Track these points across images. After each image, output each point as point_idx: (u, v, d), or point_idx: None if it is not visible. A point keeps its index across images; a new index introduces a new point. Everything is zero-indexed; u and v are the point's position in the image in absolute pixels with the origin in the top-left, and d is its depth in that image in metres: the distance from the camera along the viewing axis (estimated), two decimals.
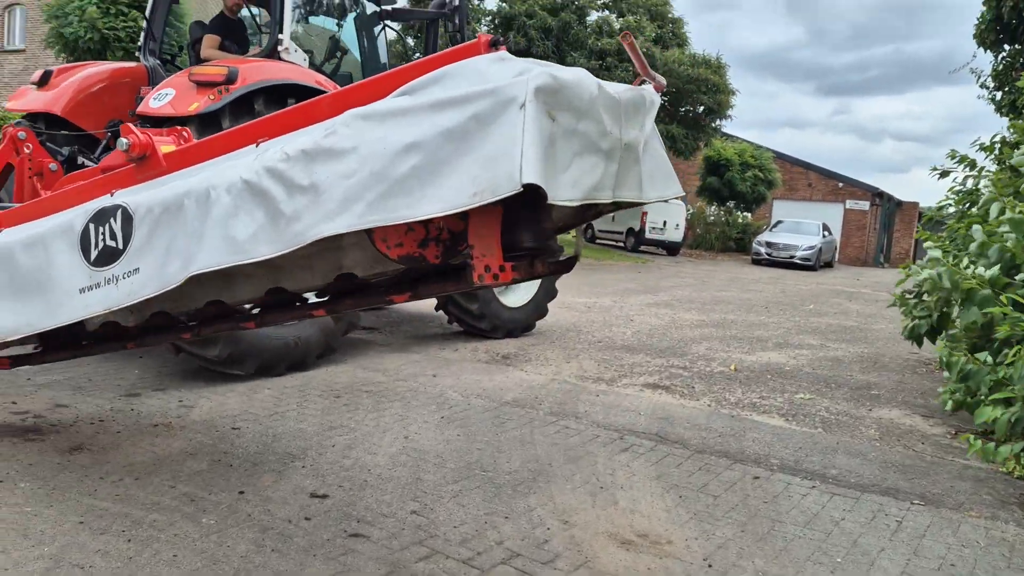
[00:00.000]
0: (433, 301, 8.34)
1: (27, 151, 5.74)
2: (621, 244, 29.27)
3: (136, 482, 3.60)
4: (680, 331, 9.74)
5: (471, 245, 2.41)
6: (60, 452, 3.91)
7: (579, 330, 9.11)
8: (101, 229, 2.90)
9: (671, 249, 29.30)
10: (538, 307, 8.47)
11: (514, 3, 25.44)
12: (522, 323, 8.29)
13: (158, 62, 6.58)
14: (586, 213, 3.37)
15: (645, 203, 3.01)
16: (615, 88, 2.66)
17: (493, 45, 2.59)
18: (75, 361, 5.78)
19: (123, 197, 2.96)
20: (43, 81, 6.27)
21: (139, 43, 6.76)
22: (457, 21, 6.97)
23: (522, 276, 2.55)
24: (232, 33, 6.39)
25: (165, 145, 3.40)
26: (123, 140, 3.20)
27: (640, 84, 2.92)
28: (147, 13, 6.54)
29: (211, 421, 4.58)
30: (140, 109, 5.34)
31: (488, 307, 7.74)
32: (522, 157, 2.07)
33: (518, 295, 8.36)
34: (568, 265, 3.14)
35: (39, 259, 3.11)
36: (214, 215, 2.56)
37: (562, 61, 25.07)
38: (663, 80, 3.14)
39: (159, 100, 5.25)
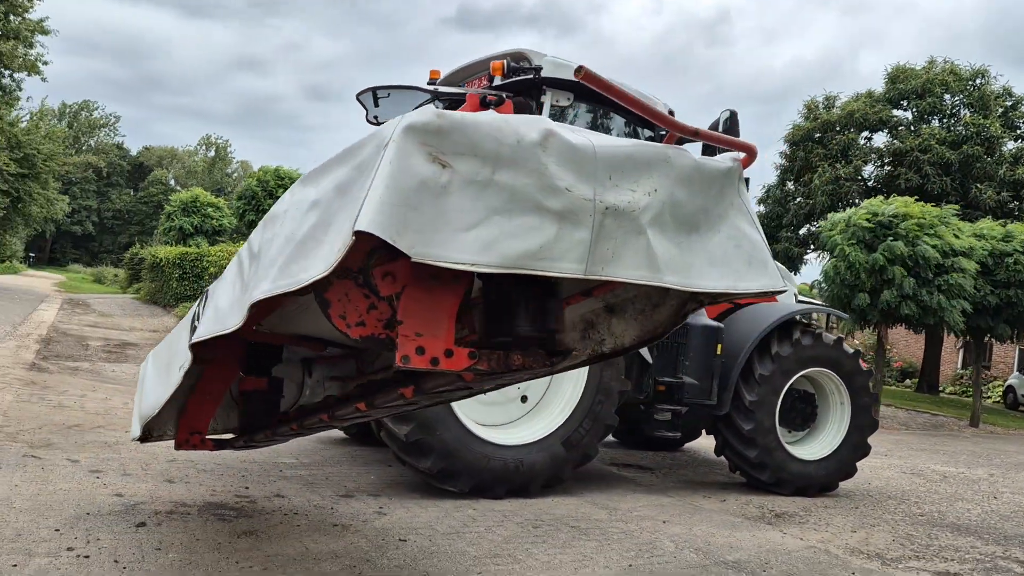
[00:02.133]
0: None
1: None
2: None
3: (244, 570, 3.65)
4: None
5: (399, 320, 2.05)
6: (230, 534, 4.16)
7: (905, 499, 7.40)
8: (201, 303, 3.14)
9: None
10: (842, 464, 7.12)
11: (905, 138, 23.40)
12: (818, 480, 7.00)
13: None
14: (681, 309, 2.73)
15: (698, 291, 2.33)
16: (595, 139, 2.15)
17: (483, 103, 2.29)
18: (329, 458, 6.27)
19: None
20: None
21: None
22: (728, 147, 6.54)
23: (488, 368, 2.10)
24: None
25: None
26: None
27: (677, 142, 2.33)
28: None
29: (388, 530, 4.54)
30: None
31: (770, 456, 6.71)
32: (364, 201, 1.73)
33: (815, 446, 7.14)
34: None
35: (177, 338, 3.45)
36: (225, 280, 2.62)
37: (965, 196, 22.14)
38: (754, 148, 2.50)
39: None
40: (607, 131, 7.00)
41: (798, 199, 26.12)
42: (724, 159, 2.41)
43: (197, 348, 2.74)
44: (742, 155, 2.47)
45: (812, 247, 25.36)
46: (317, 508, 4.86)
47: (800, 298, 8.65)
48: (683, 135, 2.45)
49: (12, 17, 29.29)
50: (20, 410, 7.01)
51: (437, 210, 1.85)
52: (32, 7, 30.19)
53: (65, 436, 6.12)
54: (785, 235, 25.77)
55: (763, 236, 2.46)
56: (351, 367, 4.57)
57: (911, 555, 5.26)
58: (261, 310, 2.33)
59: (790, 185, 26.85)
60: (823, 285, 16.12)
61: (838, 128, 25.52)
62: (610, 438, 9.11)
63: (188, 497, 4.78)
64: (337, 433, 7.29)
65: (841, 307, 15.71)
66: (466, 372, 2.09)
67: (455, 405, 5.46)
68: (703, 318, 6.69)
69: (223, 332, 2.45)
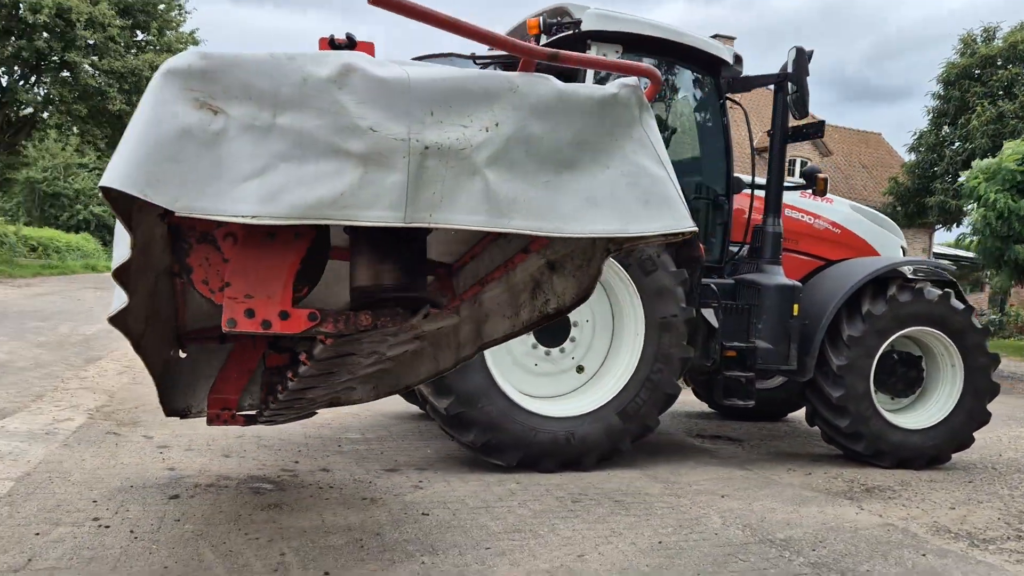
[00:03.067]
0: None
1: None
2: None
3: (251, 541, 3.70)
4: None
5: (226, 282, 1.93)
6: (255, 507, 4.25)
7: None
8: None
9: None
10: (954, 433, 6.38)
11: None
12: (925, 451, 6.31)
13: None
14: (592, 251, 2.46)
15: (571, 236, 2.05)
16: (416, 71, 1.92)
17: (331, 44, 2.12)
18: (396, 432, 6.32)
19: None
20: None
21: None
22: (796, 85, 5.96)
23: (335, 330, 1.95)
24: None
25: None
26: None
27: (538, 70, 2.05)
28: None
29: (415, 504, 4.49)
30: None
31: (865, 425, 6.11)
32: (117, 156, 1.61)
33: (923, 414, 6.44)
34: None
35: None
36: None
37: None
38: (656, 73, 2.18)
39: None
40: (673, 88, 6.58)
41: (955, 144, 23.77)
42: (612, 86, 2.11)
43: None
44: (635, 80, 2.16)
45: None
46: (355, 482, 4.89)
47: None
48: (536, 59, 2.16)
49: (167, 32, 31.65)
50: (127, 391, 7.56)
51: (209, 160, 1.72)
52: (184, 21, 32.45)
53: (154, 415, 6.51)
54: (940, 186, 23.55)
55: (671, 172, 2.14)
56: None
57: (1012, 535, 4.62)
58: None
59: (945, 129, 24.47)
60: (973, 239, 14.59)
61: (1000, 62, 22.95)
62: (707, 408, 8.69)
63: (235, 471, 4.95)
64: (415, 408, 7.36)
65: (994, 262, 14.18)
66: (310, 334, 1.96)
67: (499, 376, 5.34)
68: (777, 276, 6.17)
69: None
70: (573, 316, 5.64)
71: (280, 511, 4.20)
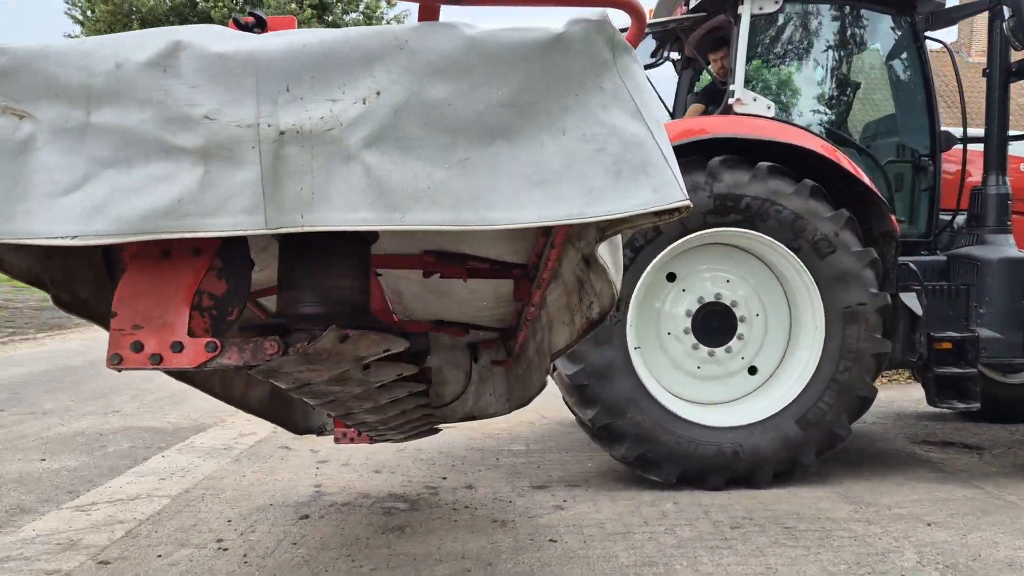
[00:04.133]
0: None
1: None
2: None
3: (354, 569, 3.50)
4: None
5: (113, 312, 1.65)
6: (377, 529, 4.09)
7: None
8: None
9: None
10: None
11: None
12: None
13: None
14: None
15: (505, 227, 1.52)
16: (267, 40, 1.49)
17: (236, 24, 1.79)
18: (563, 444, 5.93)
19: None
20: None
21: None
22: (1014, 9, 4.77)
23: (241, 361, 1.62)
24: (718, 99, 5.79)
25: None
26: None
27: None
28: None
29: (546, 528, 4.09)
30: None
31: None
32: None
33: None
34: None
35: None
36: None
37: None
38: (638, 7, 1.61)
39: None
40: (858, 37, 5.60)
41: None
42: (562, 25, 1.57)
43: None
44: (601, 13, 1.59)
45: None
46: (494, 501, 4.58)
47: None
48: (439, 1, 1.64)
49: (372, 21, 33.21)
50: None
51: (17, 175, 1.45)
52: (393, 4, 33.43)
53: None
54: None
55: (655, 130, 1.55)
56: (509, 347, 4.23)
57: None
58: None
59: None
60: None
61: None
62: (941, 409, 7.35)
63: (377, 488, 4.85)
64: None
65: None
66: (211, 367, 1.64)
67: (650, 382, 4.79)
68: (1005, 248, 4.97)
69: None
70: (739, 310, 4.94)
71: (400, 535, 3.99)
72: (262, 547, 3.82)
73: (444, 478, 5.09)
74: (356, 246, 1.89)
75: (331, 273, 1.82)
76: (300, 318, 1.81)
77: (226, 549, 3.80)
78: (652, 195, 1.51)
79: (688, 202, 1.54)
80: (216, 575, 3.48)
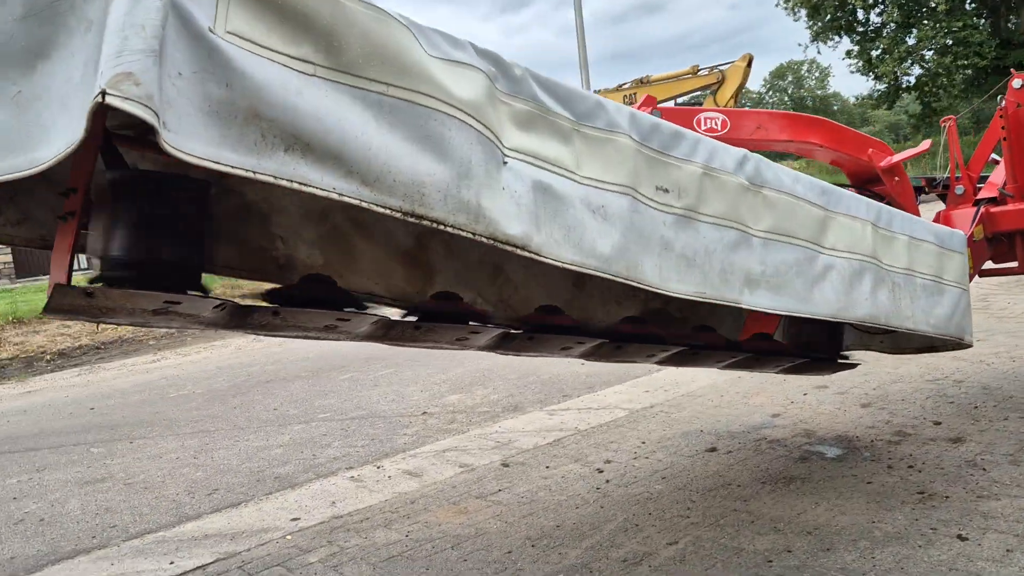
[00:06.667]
0: None
1: None
2: None
3: (719, 524, 2.95)
4: None
5: None
6: (778, 478, 3.35)
7: None
8: None
9: None
10: None
11: None
12: None
13: None
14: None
15: None
16: None
17: None
18: None
19: None
20: None
21: None
22: None
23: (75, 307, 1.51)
24: None
25: None
26: None
27: None
28: None
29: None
30: None
31: None
32: None
33: None
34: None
35: None
36: None
37: None
38: None
39: None
40: None
41: None
42: None
43: None
44: None
45: None
46: (915, 459, 3.25)
47: None
48: None
49: None
50: None
51: None
52: None
53: None
54: None
55: None
56: None
57: None
58: None
59: None
60: None
61: None
62: None
63: (836, 426, 3.95)
64: None
65: None
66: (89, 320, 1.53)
67: None
68: None
69: None
70: None
71: (793, 488, 3.20)
72: (622, 471, 3.56)
73: (939, 423, 3.81)
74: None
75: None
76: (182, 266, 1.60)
77: (601, 471, 3.66)
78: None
79: None
80: (590, 493, 3.39)
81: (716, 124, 2.99)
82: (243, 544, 3.25)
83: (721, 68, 22.89)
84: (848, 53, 33.74)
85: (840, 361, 3.32)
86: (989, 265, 4.03)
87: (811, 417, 4.15)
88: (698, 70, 23.30)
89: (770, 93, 69.02)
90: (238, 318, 1.67)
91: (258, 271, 2.10)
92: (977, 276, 4.12)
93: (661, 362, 2.65)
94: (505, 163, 1.51)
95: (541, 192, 1.57)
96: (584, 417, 4.63)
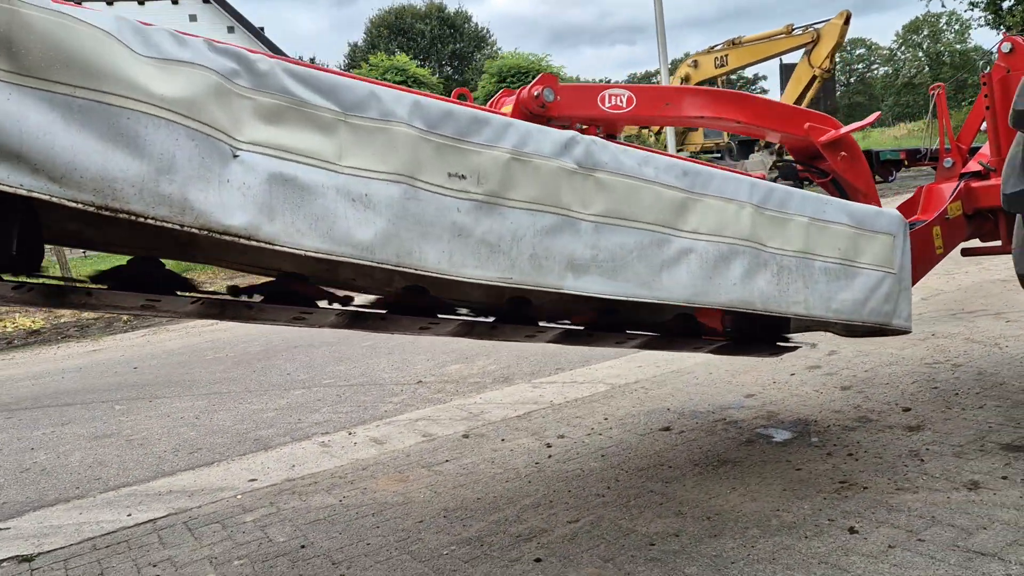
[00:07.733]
0: None
1: None
2: None
3: (639, 509, 2.97)
4: None
5: None
6: (721, 460, 3.31)
7: None
8: None
9: None
10: None
11: None
12: None
13: None
14: None
15: None
16: None
17: None
18: None
19: None
20: None
21: None
22: None
23: None
24: None
25: None
26: None
27: None
28: None
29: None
30: None
31: None
32: None
33: None
34: None
35: None
36: None
37: None
38: None
39: None
40: None
41: None
42: None
43: None
44: None
45: None
46: (918, 456, 3.11)
47: None
48: None
49: None
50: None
51: None
52: None
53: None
54: None
55: None
56: None
57: None
58: None
59: None
60: None
61: None
62: None
63: (799, 409, 3.84)
64: None
65: None
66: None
67: None
68: None
69: None
70: None
71: (721, 472, 3.16)
72: (568, 447, 3.58)
73: (907, 409, 3.65)
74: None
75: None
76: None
77: (549, 446, 3.70)
78: None
79: None
80: (525, 467, 3.46)
81: (621, 101, 2.92)
82: (197, 501, 3.48)
83: (816, 27, 21.92)
84: (973, 4, 31.33)
85: (780, 344, 3.23)
86: (976, 243, 3.78)
87: (783, 399, 4.04)
88: (792, 29, 22.43)
89: (902, 49, 64.75)
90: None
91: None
92: (961, 256, 3.89)
93: (553, 340, 2.66)
94: (236, 156, 1.58)
95: (281, 183, 1.63)
96: (564, 391, 4.66)
